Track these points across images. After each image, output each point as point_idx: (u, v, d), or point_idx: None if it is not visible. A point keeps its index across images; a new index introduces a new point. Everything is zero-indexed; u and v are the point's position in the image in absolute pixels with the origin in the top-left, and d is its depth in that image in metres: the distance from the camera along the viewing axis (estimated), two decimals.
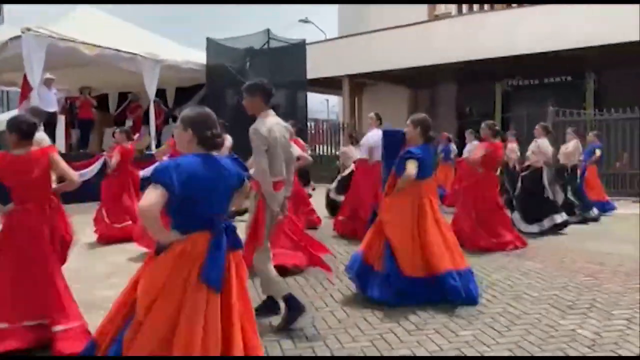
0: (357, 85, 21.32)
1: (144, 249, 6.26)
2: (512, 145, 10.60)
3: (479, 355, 3.62)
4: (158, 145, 13.37)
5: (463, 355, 3.62)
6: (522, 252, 6.82)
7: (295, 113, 13.04)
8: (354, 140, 9.53)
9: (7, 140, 3.72)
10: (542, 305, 4.65)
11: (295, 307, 4.06)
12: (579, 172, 10.29)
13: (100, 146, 14.05)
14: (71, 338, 3.51)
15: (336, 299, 4.87)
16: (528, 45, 14.89)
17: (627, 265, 6.06)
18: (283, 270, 5.58)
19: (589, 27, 13.62)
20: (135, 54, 12.31)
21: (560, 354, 3.62)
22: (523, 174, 8.50)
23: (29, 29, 10.48)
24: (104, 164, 8.29)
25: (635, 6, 12.90)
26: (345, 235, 7.70)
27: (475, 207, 7.11)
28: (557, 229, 8.24)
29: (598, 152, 11.03)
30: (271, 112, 4.20)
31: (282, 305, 4.18)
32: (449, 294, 4.58)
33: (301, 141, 7.83)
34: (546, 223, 8.23)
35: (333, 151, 19.08)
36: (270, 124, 4.12)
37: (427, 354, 3.65)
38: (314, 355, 3.66)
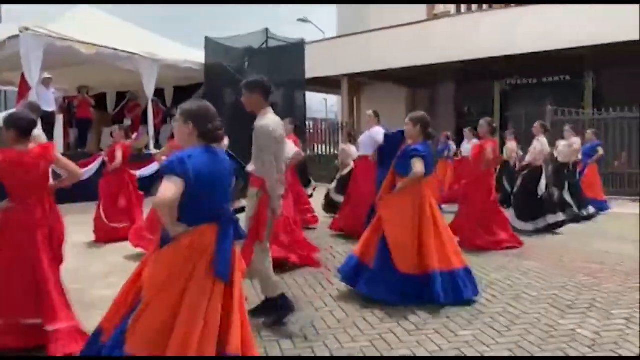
0: (356, 85, 21.31)
1: (140, 249, 6.27)
2: (512, 144, 10.61)
3: (478, 355, 3.61)
4: (156, 145, 13.37)
5: (463, 355, 3.62)
6: (521, 252, 6.81)
7: (294, 112, 13.00)
8: (353, 138, 9.52)
9: (3, 137, 3.67)
10: (541, 305, 4.65)
11: (286, 307, 4.15)
12: (578, 169, 10.31)
13: (99, 146, 14.01)
14: (61, 339, 3.48)
15: (335, 299, 4.86)
16: (526, 45, 14.88)
17: (626, 265, 6.07)
18: (282, 266, 5.62)
19: (587, 27, 13.61)
20: (133, 53, 12.29)
21: (560, 354, 3.62)
22: (524, 172, 8.49)
23: (27, 28, 10.45)
24: (102, 164, 8.25)
25: (634, 5, 12.90)
26: (344, 234, 7.69)
27: (475, 205, 7.10)
28: (551, 228, 8.26)
29: (601, 150, 11.05)
30: (270, 109, 4.19)
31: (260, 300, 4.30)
32: (431, 294, 4.57)
33: (293, 136, 7.80)
34: (541, 222, 8.27)
35: (332, 151, 19.06)
36: (273, 121, 4.11)
37: (427, 354, 3.64)
38: (313, 355, 3.65)
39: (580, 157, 10.37)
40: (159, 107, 14.92)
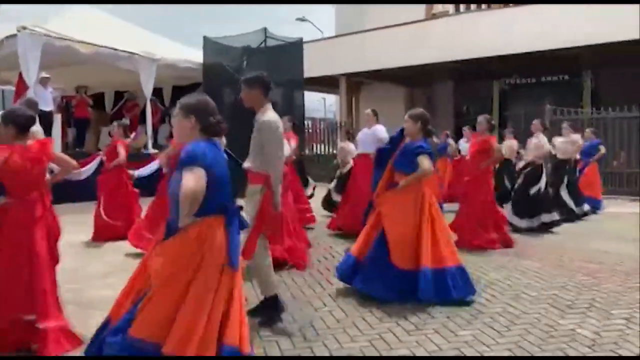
0: (354, 84, 21.30)
1: (140, 250, 6.25)
2: (513, 142, 10.59)
3: (478, 355, 3.60)
4: (154, 144, 13.35)
5: (462, 355, 3.60)
6: (520, 251, 6.80)
7: (292, 112, 12.95)
8: (351, 136, 9.50)
9: (2, 133, 3.64)
10: (541, 304, 4.63)
11: (277, 308, 4.17)
12: (578, 167, 10.33)
13: (97, 145, 14.00)
14: (51, 338, 3.47)
15: (334, 299, 4.84)
16: (525, 44, 14.87)
17: (625, 264, 6.06)
18: (282, 265, 5.62)
19: (585, 26, 13.61)
20: (131, 52, 12.27)
21: (560, 354, 3.60)
22: (526, 170, 8.46)
23: (24, 28, 10.43)
24: (101, 163, 8.23)
25: (631, 5, 12.90)
26: (342, 233, 7.67)
27: (475, 204, 7.08)
28: (545, 227, 8.26)
29: (602, 149, 11.06)
30: (270, 105, 4.14)
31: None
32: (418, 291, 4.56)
33: (292, 133, 7.78)
34: (535, 221, 8.27)
35: (330, 150, 19.06)
36: (275, 117, 4.09)
37: (426, 354, 3.63)
38: (312, 355, 3.63)
39: (578, 156, 10.38)
40: (158, 106, 14.91)
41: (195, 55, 13.67)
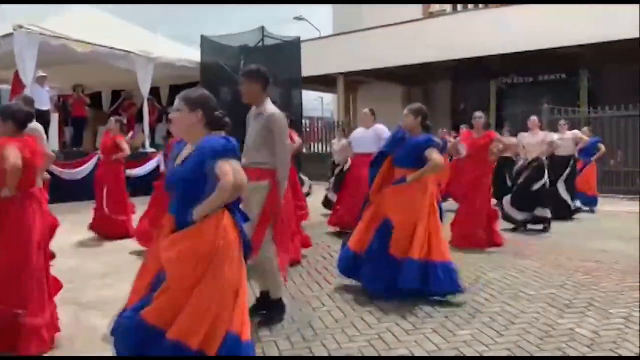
0: (352, 83, 21.30)
1: (140, 248, 6.24)
2: (513, 140, 10.58)
3: (477, 355, 3.60)
4: (152, 144, 13.33)
5: (461, 355, 3.60)
6: (518, 250, 6.80)
7: (290, 111, 12.95)
8: (345, 135, 9.51)
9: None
10: (539, 304, 4.63)
11: (281, 310, 4.19)
12: (578, 167, 10.34)
13: (94, 144, 13.96)
14: (30, 334, 3.42)
15: (333, 298, 4.84)
16: (523, 43, 14.89)
17: (623, 263, 6.07)
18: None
19: (583, 25, 13.64)
20: (128, 51, 12.24)
21: (559, 353, 3.60)
22: (535, 164, 8.44)
23: (21, 27, 10.40)
24: (98, 163, 8.23)
25: (630, 5, 12.92)
26: (341, 232, 7.66)
27: (475, 204, 7.07)
28: (537, 220, 8.27)
29: (603, 147, 11.07)
30: (269, 100, 4.07)
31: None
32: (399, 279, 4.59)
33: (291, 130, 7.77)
34: (529, 216, 8.28)
35: (328, 149, 19.04)
36: (280, 111, 4.03)
37: (425, 354, 3.62)
38: (311, 355, 3.62)
39: (577, 154, 10.40)
40: (155, 106, 14.89)
41: (192, 55, 13.66)
